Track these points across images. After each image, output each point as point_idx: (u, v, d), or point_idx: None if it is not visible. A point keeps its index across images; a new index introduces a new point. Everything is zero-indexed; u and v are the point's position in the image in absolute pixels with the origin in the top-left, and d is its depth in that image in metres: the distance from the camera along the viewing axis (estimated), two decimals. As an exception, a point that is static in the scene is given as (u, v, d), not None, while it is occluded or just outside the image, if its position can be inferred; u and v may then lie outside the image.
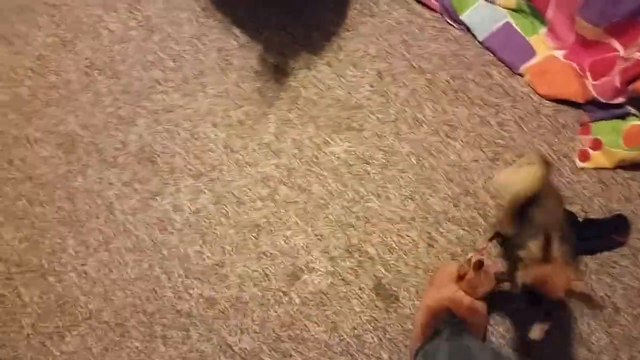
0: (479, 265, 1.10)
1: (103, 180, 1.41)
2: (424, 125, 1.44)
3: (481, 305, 1.14)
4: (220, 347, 1.25)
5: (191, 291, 1.29)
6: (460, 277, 1.13)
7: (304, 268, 1.32)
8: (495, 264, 1.18)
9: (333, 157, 1.42)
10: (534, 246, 1.03)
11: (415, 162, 1.41)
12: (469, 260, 1.14)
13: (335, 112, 1.47)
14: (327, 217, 1.37)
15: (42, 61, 1.59)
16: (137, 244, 1.34)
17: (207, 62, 1.54)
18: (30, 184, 1.41)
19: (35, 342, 1.27)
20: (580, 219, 1.32)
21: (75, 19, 1.63)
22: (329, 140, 1.44)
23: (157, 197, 1.38)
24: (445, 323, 1.09)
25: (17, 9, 1.63)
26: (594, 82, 1.39)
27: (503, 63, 1.48)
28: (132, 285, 1.30)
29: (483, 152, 1.40)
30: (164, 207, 1.37)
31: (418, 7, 1.55)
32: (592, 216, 1.33)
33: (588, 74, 1.40)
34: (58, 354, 1.26)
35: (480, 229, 1.33)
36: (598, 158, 1.38)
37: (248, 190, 1.39)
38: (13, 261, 1.34)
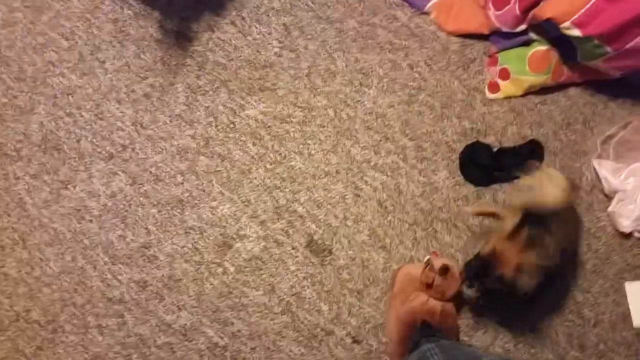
0: (445, 270, 1.10)
1: (9, 176, 1.32)
2: (337, 76, 1.42)
3: (451, 307, 1.15)
4: (159, 327, 1.24)
5: (120, 277, 1.26)
6: (427, 285, 1.11)
7: (234, 236, 1.30)
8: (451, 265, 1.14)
9: (250, 121, 1.39)
10: (509, 220, 1.06)
11: (333, 114, 1.39)
12: (429, 264, 1.13)
13: (247, 74, 1.42)
14: (251, 182, 1.35)
15: None
16: (55, 237, 1.28)
17: (103, 35, 1.44)
18: None
19: (-37, 353, 1.21)
20: (495, 149, 1.35)
21: (-51, 6, 1.48)
22: (243, 103, 1.40)
23: (69, 186, 1.32)
24: (421, 333, 1.08)
25: None
26: (497, 12, 1.40)
27: (408, 3, 1.46)
28: (58, 279, 1.26)
29: (398, 96, 1.41)
30: (78, 195, 1.31)
31: (319, -46, 1.50)
32: (507, 145, 1.36)
33: (490, 4, 1.40)
34: (-10, 361, 1.21)
35: (402, 173, 1.35)
36: (507, 87, 1.41)
37: (165, 166, 1.34)
38: None
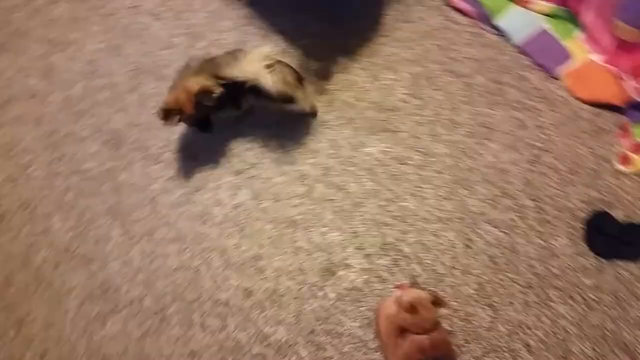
0: (412, 309, 1.17)
1: (148, 175, 1.60)
2: (460, 127, 1.59)
3: (438, 334, 1.20)
4: (256, 337, 1.39)
5: (229, 282, 1.45)
6: (403, 329, 1.18)
7: (339, 264, 1.46)
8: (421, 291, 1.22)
9: (369, 158, 1.58)
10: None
11: (451, 163, 1.55)
12: (400, 301, 1.19)
13: (372, 115, 1.63)
14: (362, 215, 1.51)
15: (93, 65, 1.83)
16: (178, 235, 1.52)
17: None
18: (79, 177, 1.62)
19: (79, 324, 1.44)
20: (624, 224, 1.41)
21: (124, 27, 1.88)
22: (365, 141, 1.61)
23: (199, 192, 1.56)
24: None
25: (73, 19, 1.90)
26: (635, 84, 1.50)
27: (540, 67, 1.62)
28: (173, 274, 1.47)
29: (521, 154, 1.54)
30: (205, 201, 1.55)
31: (453, 13, 1.74)
32: (635, 221, 1.42)
33: (628, 76, 1.52)
34: (99, 337, 1.42)
35: (519, 232, 1.44)
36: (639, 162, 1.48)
37: (285, 188, 1.55)
38: (61, 248, 1.53)
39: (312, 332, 1.40)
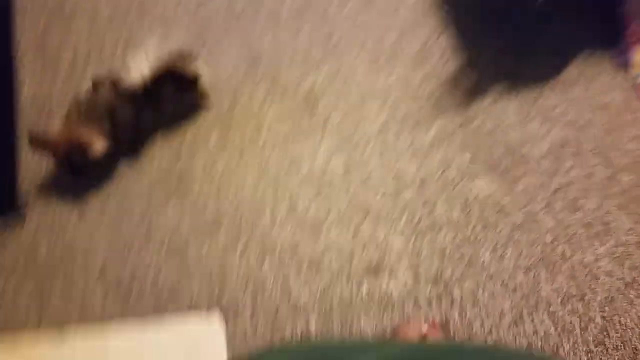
0: None
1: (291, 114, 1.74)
2: (579, 212, 1.53)
3: None
4: (282, 288, 1.49)
5: (286, 228, 1.56)
6: None
7: (386, 268, 1.50)
8: None
9: (471, 192, 1.58)
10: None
11: (549, 241, 1.51)
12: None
13: (498, 153, 1.62)
14: (433, 239, 1.53)
15: None
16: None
17: (408, 50, 1.79)
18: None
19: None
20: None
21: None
22: (477, 174, 1.60)
23: (302, 138, 1.67)
24: None
25: None
26: None
27: None
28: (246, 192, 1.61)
29: (622, 270, 1.45)
30: (300, 151, 1.66)
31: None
32: None
33: None
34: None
35: (571, 339, 1.39)
36: None
37: (378, 175, 1.61)
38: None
39: (329, 310, 1.48)
